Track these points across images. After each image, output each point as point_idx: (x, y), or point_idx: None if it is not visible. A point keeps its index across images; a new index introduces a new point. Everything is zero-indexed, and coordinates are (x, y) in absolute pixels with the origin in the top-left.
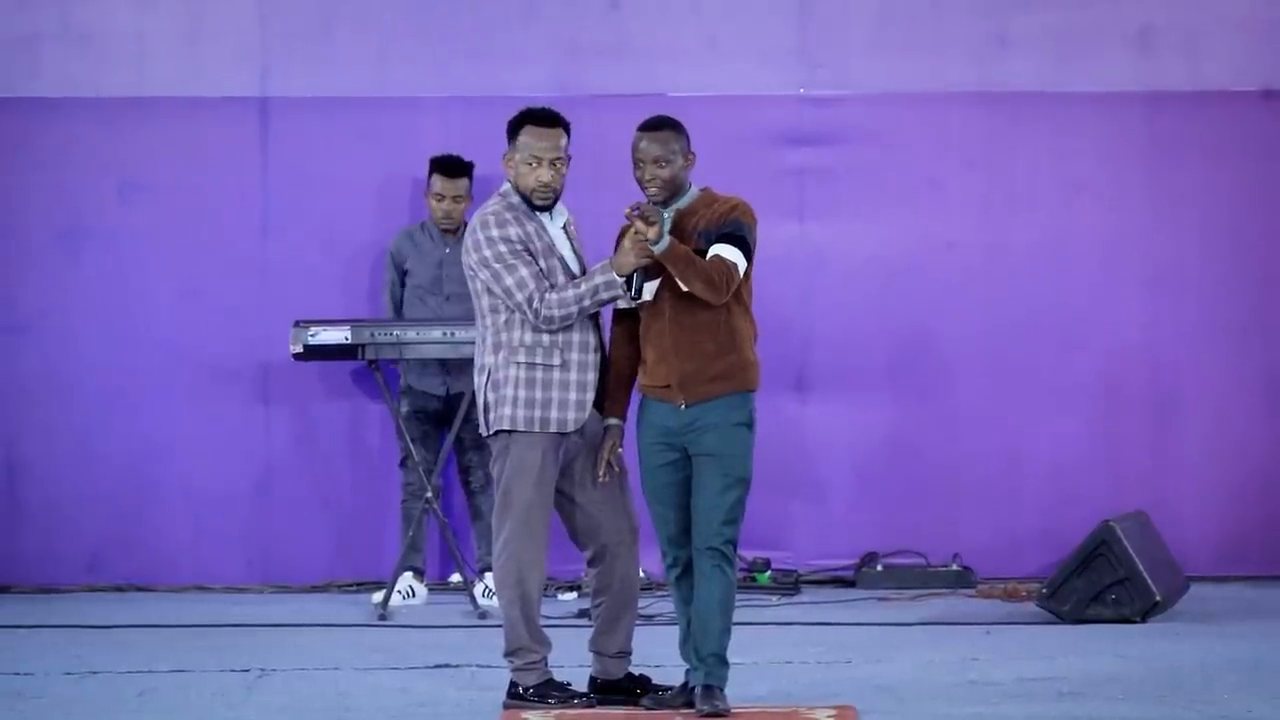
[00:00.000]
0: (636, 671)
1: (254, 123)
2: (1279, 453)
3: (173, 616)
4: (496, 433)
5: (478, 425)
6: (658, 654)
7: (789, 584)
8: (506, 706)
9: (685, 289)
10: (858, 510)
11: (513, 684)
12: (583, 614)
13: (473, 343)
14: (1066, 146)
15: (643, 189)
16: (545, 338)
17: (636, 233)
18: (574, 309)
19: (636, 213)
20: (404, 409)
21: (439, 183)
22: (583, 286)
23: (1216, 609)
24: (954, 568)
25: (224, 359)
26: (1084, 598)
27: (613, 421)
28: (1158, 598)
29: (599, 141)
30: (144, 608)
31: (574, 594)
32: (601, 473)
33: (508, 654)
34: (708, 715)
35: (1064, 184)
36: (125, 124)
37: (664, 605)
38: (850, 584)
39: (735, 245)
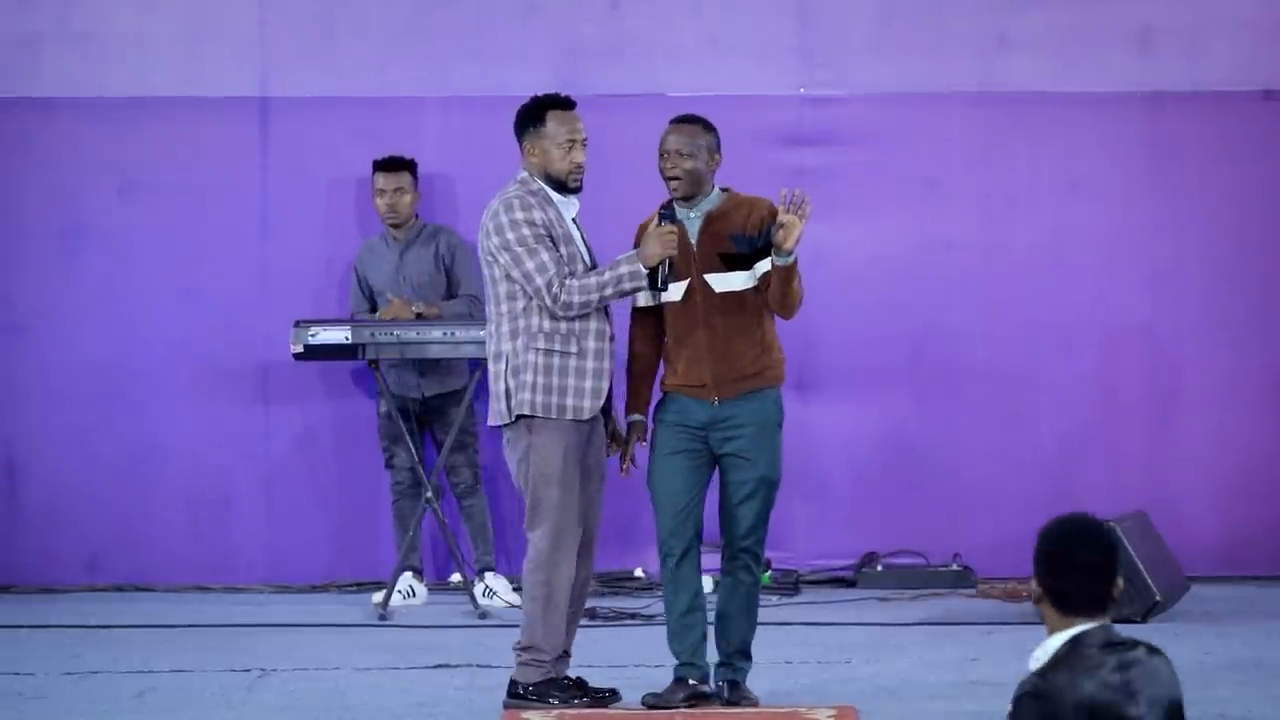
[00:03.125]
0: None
1: (254, 123)
2: (1279, 452)
3: (172, 616)
4: (517, 418)
5: (456, 424)
6: (658, 654)
7: (789, 584)
8: (507, 706)
9: (720, 290)
10: (858, 510)
11: (513, 682)
12: (585, 613)
13: (472, 343)
14: (1067, 146)
15: (665, 180)
16: (563, 325)
17: (780, 225)
18: (594, 296)
19: (787, 204)
20: (383, 409)
21: (380, 179)
22: (606, 275)
23: (1217, 609)
24: (954, 568)
25: (224, 359)
26: None
27: (636, 417)
28: (1158, 598)
29: (600, 141)
30: (144, 607)
31: None
32: (624, 467)
33: (519, 647)
34: (739, 704)
35: (1064, 184)
36: (125, 124)
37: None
38: (850, 584)
39: None
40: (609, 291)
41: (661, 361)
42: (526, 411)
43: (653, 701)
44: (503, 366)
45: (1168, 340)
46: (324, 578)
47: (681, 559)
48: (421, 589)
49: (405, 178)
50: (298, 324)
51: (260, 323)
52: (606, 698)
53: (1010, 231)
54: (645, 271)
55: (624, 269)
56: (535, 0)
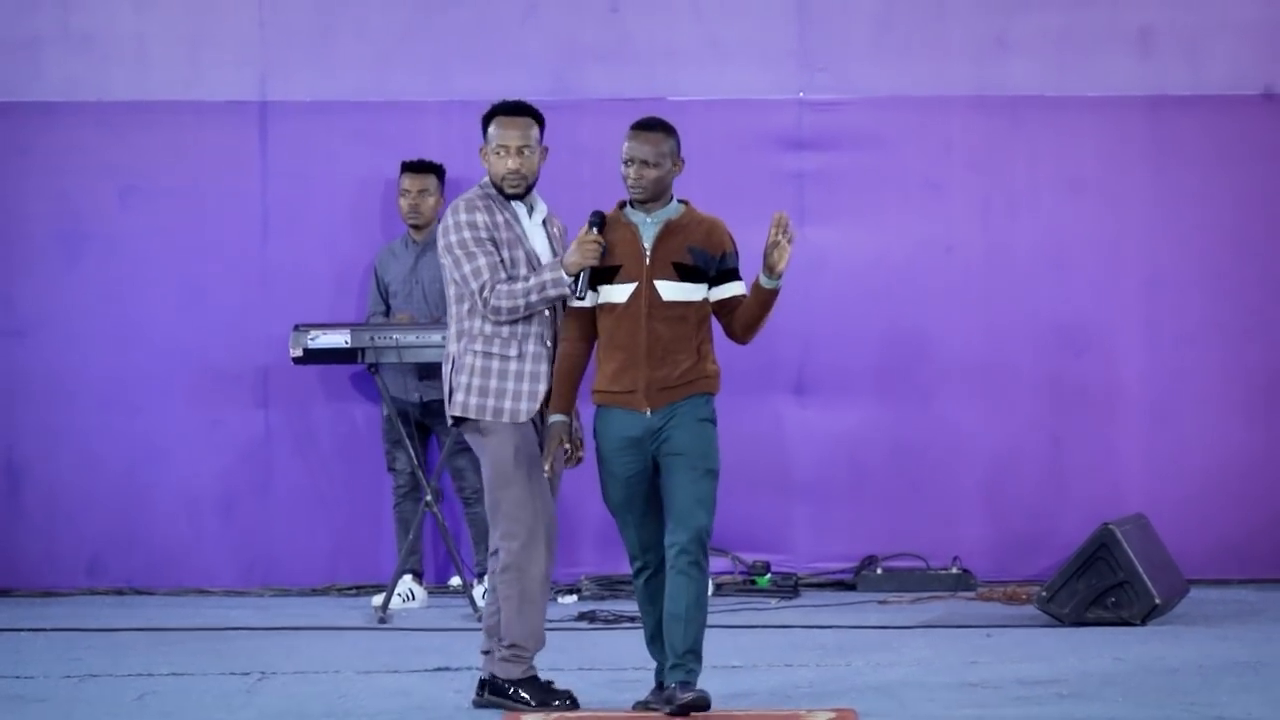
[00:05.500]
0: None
1: (254, 126)
2: (1279, 455)
3: (172, 620)
4: (458, 419)
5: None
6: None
7: (789, 587)
8: (479, 704)
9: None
10: (857, 513)
11: (494, 677)
12: (583, 616)
13: None
14: (1067, 149)
15: (627, 188)
16: (504, 329)
17: (774, 246)
18: (521, 302)
19: (778, 227)
20: (385, 412)
21: (406, 180)
22: (531, 281)
23: (1216, 612)
24: (954, 570)
25: (224, 362)
26: (1084, 600)
27: (558, 418)
28: (1157, 600)
29: (599, 144)
30: (144, 611)
31: (574, 597)
32: (547, 467)
33: (502, 644)
34: (689, 707)
35: (1064, 187)
36: (126, 128)
37: None
38: (850, 587)
39: (740, 280)
40: (534, 298)
41: (592, 365)
42: (458, 413)
43: (642, 707)
44: (450, 367)
45: (1167, 342)
46: (323, 581)
47: (655, 572)
48: (421, 592)
49: (431, 180)
50: (297, 328)
51: (260, 326)
52: (565, 702)
53: (1010, 234)
54: (568, 279)
55: (547, 276)
56: (535, 3)
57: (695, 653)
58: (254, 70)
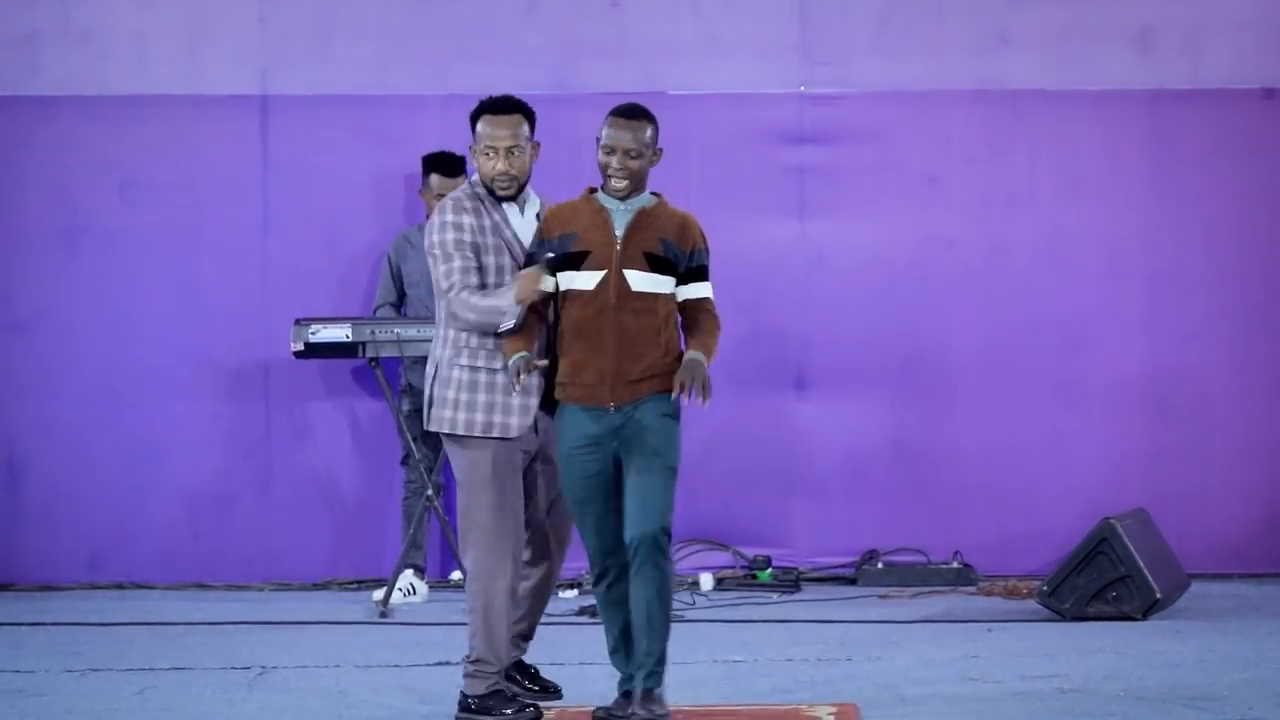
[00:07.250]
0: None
1: (254, 121)
2: (1279, 451)
3: (173, 614)
4: (442, 433)
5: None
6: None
7: (790, 581)
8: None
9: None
10: (858, 508)
11: (462, 694)
12: (583, 611)
13: None
14: (1067, 145)
15: (606, 176)
16: (490, 340)
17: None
18: (474, 318)
19: (690, 396)
20: (405, 407)
21: (438, 182)
22: (489, 302)
23: (1217, 606)
24: (955, 565)
25: (224, 357)
26: (1085, 595)
27: (521, 356)
28: (1158, 595)
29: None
30: (144, 606)
31: (574, 591)
32: (516, 390)
33: (468, 660)
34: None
35: (1065, 182)
36: (125, 122)
37: None
38: (851, 582)
39: (707, 280)
40: (485, 319)
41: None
42: (446, 430)
43: (603, 715)
44: (433, 373)
45: (1168, 338)
46: (324, 575)
47: (618, 578)
48: (422, 587)
49: (461, 182)
50: (298, 322)
51: (261, 321)
52: (550, 693)
53: (1010, 229)
54: (515, 310)
55: (503, 303)
56: None
57: (656, 656)
58: (255, 64)
